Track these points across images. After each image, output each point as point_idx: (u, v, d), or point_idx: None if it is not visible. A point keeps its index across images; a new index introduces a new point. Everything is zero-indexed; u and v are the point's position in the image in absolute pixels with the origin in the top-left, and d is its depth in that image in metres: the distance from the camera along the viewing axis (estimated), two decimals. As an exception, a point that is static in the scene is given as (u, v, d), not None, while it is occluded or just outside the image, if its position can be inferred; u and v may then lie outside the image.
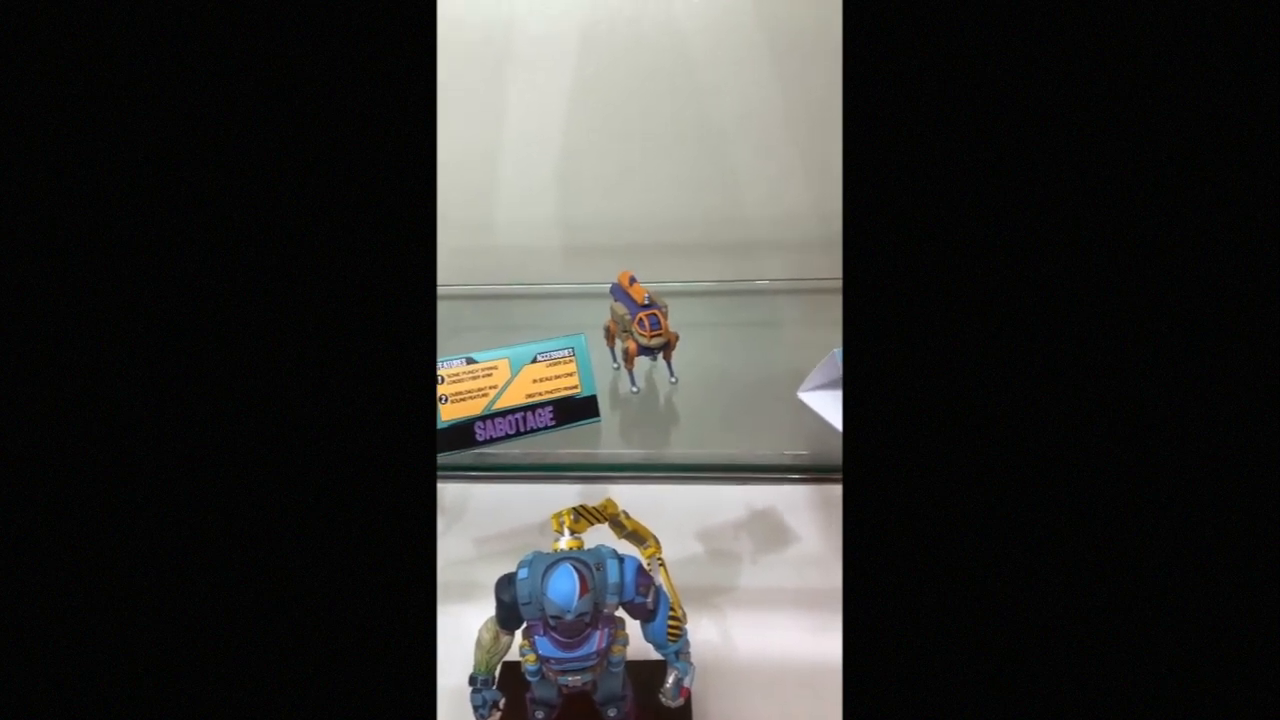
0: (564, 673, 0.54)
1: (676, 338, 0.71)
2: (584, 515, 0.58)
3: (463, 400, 0.62)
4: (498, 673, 0.58)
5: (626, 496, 0.66)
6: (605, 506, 0.60)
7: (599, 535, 0.60)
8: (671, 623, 0.56)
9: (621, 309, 0.72)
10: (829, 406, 0.66)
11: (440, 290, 0.93)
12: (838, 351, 0.63)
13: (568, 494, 0.86)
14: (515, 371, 0.63)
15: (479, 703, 0.56)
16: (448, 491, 0.95)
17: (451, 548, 0.87)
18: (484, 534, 0.89)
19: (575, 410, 0.65)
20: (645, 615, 0.56)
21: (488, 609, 0.56)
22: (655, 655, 0.58)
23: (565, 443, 0.65)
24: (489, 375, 0.63)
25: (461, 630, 0.62)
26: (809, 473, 0.67)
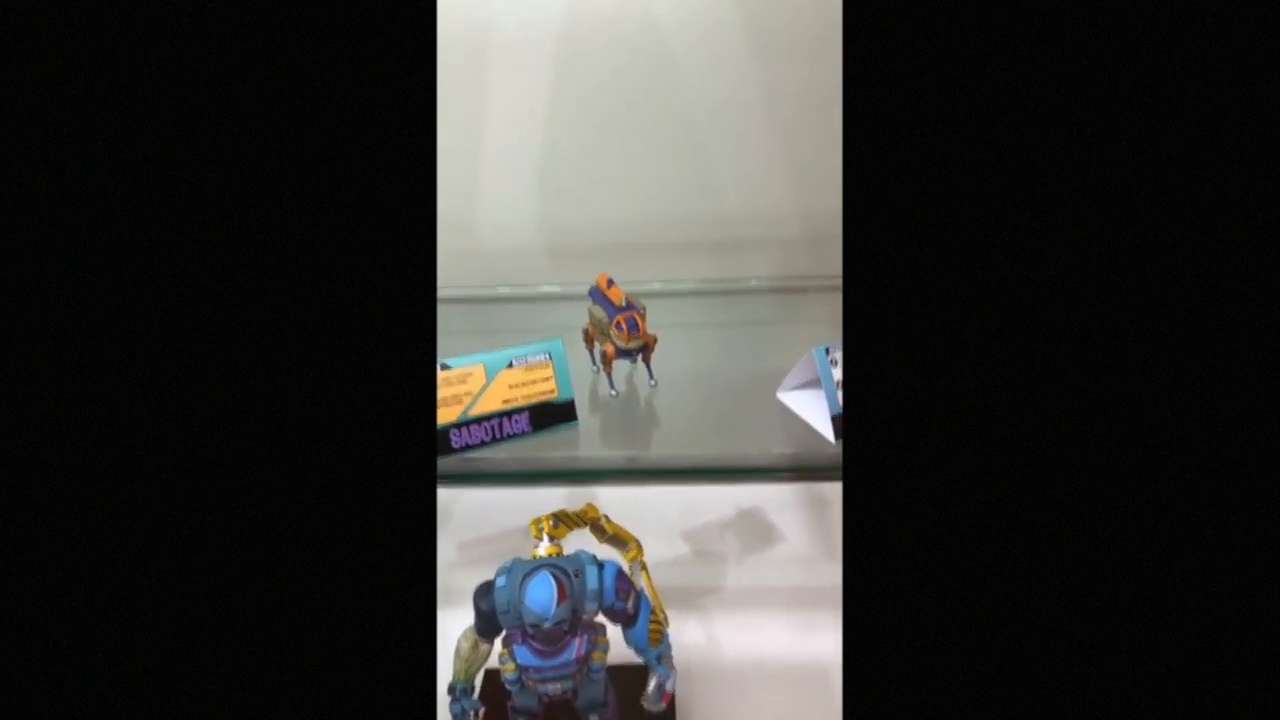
0: (544, 681, 0.53)
1: (655, 340, 0.70)
2: (563, 520, 0.58)
3: (437, 407, 0.61)
4: (478, 681, 0.57)
5: (609, 499, 0.66)
6: (586, 511, 0.60)
7: (581, 540, 0.59)
8: (653, 627, 0.56)
9: (600, 312, 0.72)
10: (808, 407, 0.66)
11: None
12: (815, 351, 0.63)
13: (552, 498, 0.86)
14: (490, 377, 0.63)
15: (458, 712, 0.56)
16: (433, 497, 0.94)
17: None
18: (468, 539, 0.88)
19: (553, 415, 0.64)
20: (626, 620, 0.55)
21: (471, 615, 0.55)
22: (638, 659, 0.57)
23: (547, 447, 0.65)
24: (464, 381, 0.62)
25: (444, 637, 0.61)
26: (791, 472, 0.67)
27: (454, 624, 0.59)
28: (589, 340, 0.76)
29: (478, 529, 0.89)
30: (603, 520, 0.61)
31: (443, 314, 0.93)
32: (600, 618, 0.55)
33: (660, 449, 0.69)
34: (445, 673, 0.57)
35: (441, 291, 0.95)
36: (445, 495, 0.94)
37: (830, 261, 0.91)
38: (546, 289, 0.96)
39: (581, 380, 0.73)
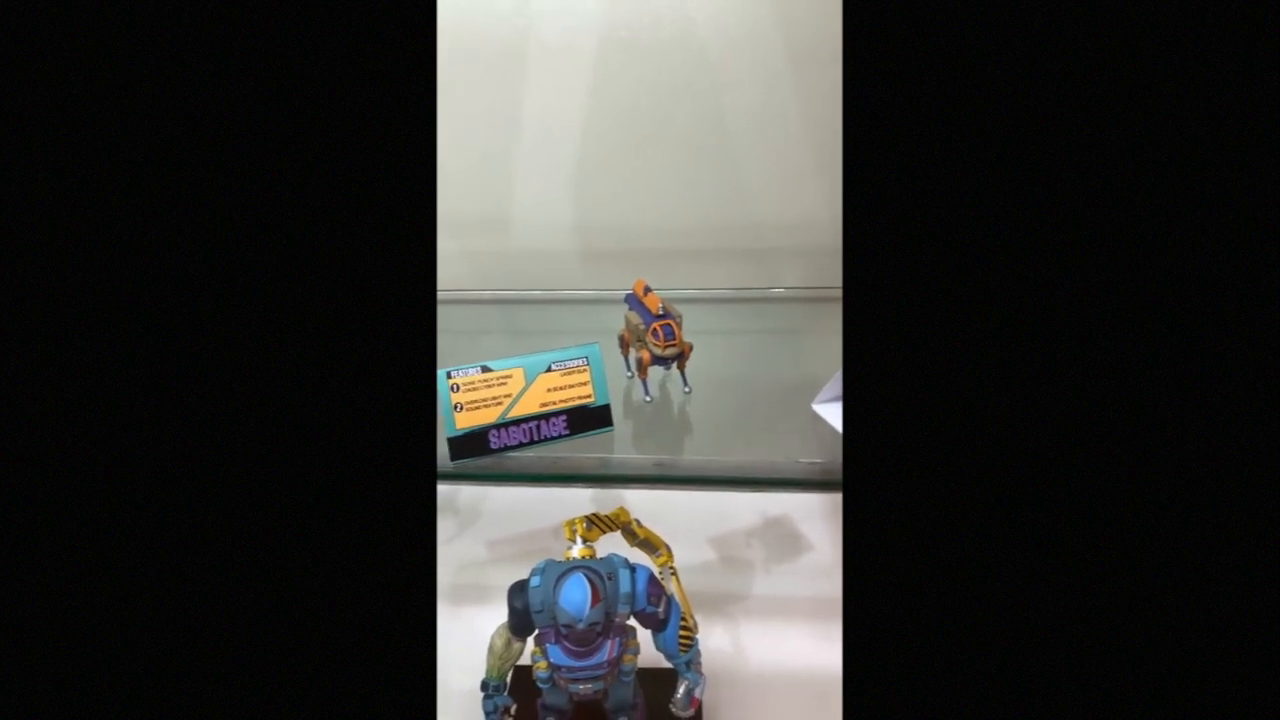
0: (575, 681, 0.54)
1: (690, 347, 0.71)
2: (596, 524, 0.58)
3: (477, 408, 0.62)
4: (509, 678, 0.58)
5: (639, 503, 0.66)
6: (618, 515, 0.60)
7: (611, 543, 0.60)
8: (683, 633, 0.57)
9: (636, 318, 0.72)
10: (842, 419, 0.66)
11: (456, 294, 0.94)
12: (852, 363, 0.63)
13: (582, 498, 0.87)
14: (530, 380, 0.64)
15: (490, 708, 0.57)
16: (462, 494, 0.96)
17: (465, 551, 0.88)
18: (498, 537, 0.89)
19: (589, 419, 0.65)
20: (657, 625, 0.56)
21: (501, 612, 0.56)
22: (667, 663, 0.58)
23: (579, 449, 0.66)
24: (504, 384, 0.63)
25: (475, 634, 0.62)
26: (823, 484, 0.67)
27: (484, 620, 0.60)
28: (624, 346, 0.76)
29: (506, 528, 0.90)
30: (634, 524, 0.61)
31: (476, 314, 0.95)
32: (632, 621, 0.56)
33: (691, 455, 0.70)
34: (459, 673, 0.58)
35: (476, 293, 0.97)
36: (475, 493, 0.95)
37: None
38: (579, 292, 0.97)
39: (616, 385, 0.73)
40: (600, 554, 0.56)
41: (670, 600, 0.57)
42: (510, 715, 0.58)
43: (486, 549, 0.88)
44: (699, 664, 0.57)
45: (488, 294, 0.97)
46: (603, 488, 0.85)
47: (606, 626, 0.53)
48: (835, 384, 0.67)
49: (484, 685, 0.57)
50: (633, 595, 0.54)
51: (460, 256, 0.99)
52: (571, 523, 0.57)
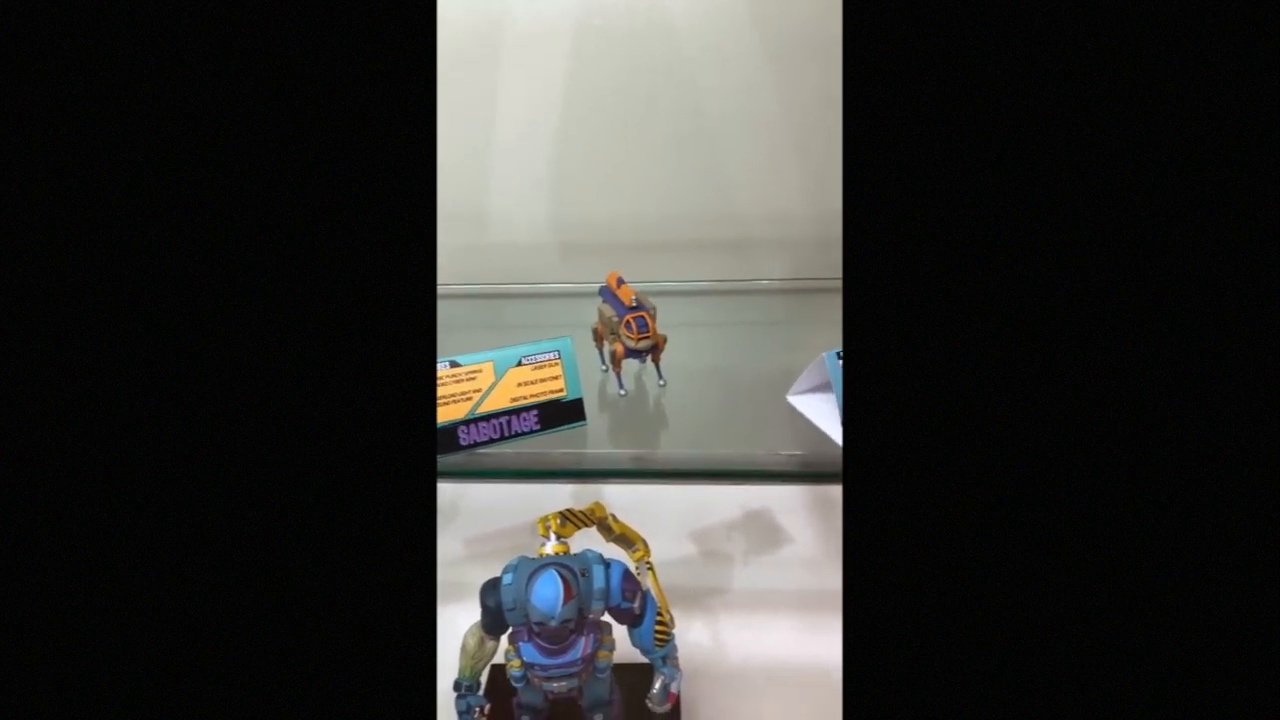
0: (549, 679, 0.54)
1: (664, 340, 0.70)
2: (571, 519, 0.58)
3: (446, 404, 0.61)
4: (484, 677, 0.58)
5: (617, 498, 0.66)
6: (593, 510, 0.60)
7: (588, 539, 0.59)
8: (659, 628, 0.56)
9: (609, 311, 0.72)
10: (818, 410, 0.66)
11: (432, 290, 0.93)
12: (826, 356, 0.62)
13: (559, 495, 0.86)
14: (500, 375, 0.63)
15: (464, 708, 0.56)
16: (440, 492, 0.95)
17: (442, 549, 0.87)
18: (475, 535, 0.89)
19: (561, 413, 0.64)
20: (632, 620, 0.55)
21: (478, 611, 0.55)
22: (644, 658, 0.57)
23: (554, 445, 0.65)
24: (473, 379, 0.62)
25: (450, 632, 0.61)
26: (799, 474, 0.66)
27: (459, 620, 0.59)
28: (598, 339, 0.76)
29: (484, 525, 0.89)
30: (610, 520, 0.61)
31: (454, 309, 0.94)
32: (606, 617, 0.55)
33: (668, 449, 0.69)
34: (446, 670, 0.57)
35: (453, 287, 0.95)
36: (451, 491, 0.94)
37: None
38: (557, 286, 0.96)
39: (590, 379, 0.72)
40: (576, 550, 0.55)
41: (646, 595, 0.56)
42: (484, 715, 0.57)
43: (464, 547, 0.87)
44: (676, 659, 0.57)
45: (464, 288, 0.96)
46: (580, 483, 0.84)
47: (580, 623, 0.52)
48: (810, 375, 0.66)
49: (456, 685, 0.57)
50: (607, 591, 0.53)
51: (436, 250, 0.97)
52: (545, 519, 0.57)
